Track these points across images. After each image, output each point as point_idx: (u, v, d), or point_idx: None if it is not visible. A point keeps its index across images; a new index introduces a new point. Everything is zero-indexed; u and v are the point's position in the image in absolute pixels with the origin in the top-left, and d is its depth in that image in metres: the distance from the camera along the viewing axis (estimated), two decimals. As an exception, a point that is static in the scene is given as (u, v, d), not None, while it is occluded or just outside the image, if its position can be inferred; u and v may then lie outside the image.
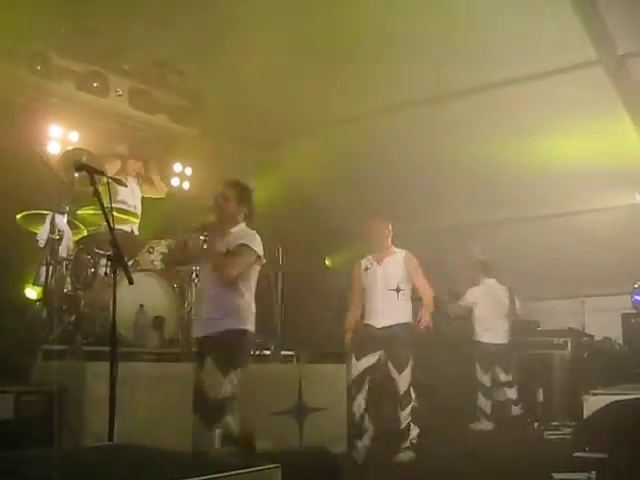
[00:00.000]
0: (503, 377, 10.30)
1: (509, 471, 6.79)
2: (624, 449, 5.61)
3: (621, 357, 11.15)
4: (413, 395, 7.44)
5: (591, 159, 9.62)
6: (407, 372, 7.37)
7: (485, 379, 10.25)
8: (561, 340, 10.98)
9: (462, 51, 8.21)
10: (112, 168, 8.64)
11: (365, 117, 9.95)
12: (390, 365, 7.37)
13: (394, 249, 7.82)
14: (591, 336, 11.84)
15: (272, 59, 8.61)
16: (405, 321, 7.49)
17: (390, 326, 7.40)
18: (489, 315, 10.34)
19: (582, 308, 12.08)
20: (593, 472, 5.45)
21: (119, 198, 8.24)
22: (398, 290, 7.52)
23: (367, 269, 7.78)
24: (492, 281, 10.63)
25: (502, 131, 9.58)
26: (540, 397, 10.51)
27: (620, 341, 11.73)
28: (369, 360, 7.33)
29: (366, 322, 7.61)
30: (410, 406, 7.39)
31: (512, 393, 10.27)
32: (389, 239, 7.85)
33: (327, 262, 12.66)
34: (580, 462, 5.78)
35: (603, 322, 11.78)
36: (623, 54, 8.26)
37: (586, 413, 6.31)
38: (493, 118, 9.47)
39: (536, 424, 9.77)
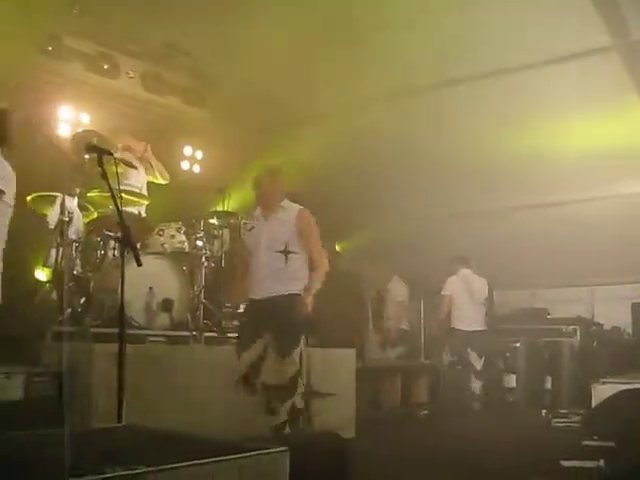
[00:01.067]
0: (476, 363, 10.35)
1: (517, 458, 6.78)
2: (633, 437, 5.61)
3: (630, 346, 11.15)
4: (301, 386, 5.94)
5: (603, 146, 9.56)
6: (292, 358, 5.83)
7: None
8: (570, 328, 10.99)
9: (470, 36, 8.14)
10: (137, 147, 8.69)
11: (373, 102, 9.89)
12: (272, 350, 5.86)
13: (287, 204, 6.47)
14: (600, 325, 11.86)
15: (282, 43, 8.55)
16: (294, 292, 6.06)
17: (272, 297, 6.01)
18: (464, 304, 10.47)
19: (592, 297, 12.10)
20: (602, 460, 5.44)
21: (127, 181, 8.21)
22: (286, 252, 6.11)
23: (252, 228, 6.46)
24: (467, 271, 10.70)
25: (512, 118, 9.54)
26: (548, 385, 10.54)
27: (629, 330, 11.73)
28: (251, 354, 5.91)
29: (250, 296, 6.21)
30: (291, 400, 5.79)
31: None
32: (280, 192, 6.51)
33: (337, 247, 12.65)
34: (589, 450, 5.79)
35: (612, 311, 11.77)
36: (638, 40, 8.18)
37: (595, 401, 6.32)
38: (502, 104, 9.41)
39: (544, 412, 9.78)
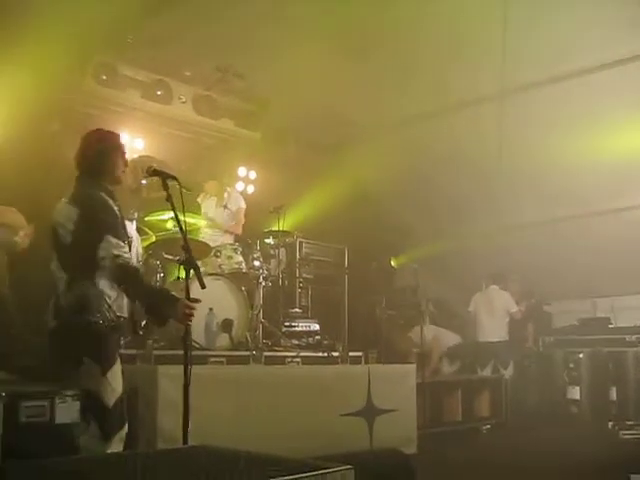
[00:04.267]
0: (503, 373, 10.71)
1: (583, 471, 6.67)
2: None
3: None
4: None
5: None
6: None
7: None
8: (634, 337, 10.77)
9: (522, 47, 8.09)
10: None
11: (428, 116, 9.89)
12: None
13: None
14: (667, 333, 11.57)
15: (334, 60, 8.61)
16: None
17: None
18: (485, 318, 11.16)
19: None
20: (673, 472, 5.32)
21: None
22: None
23: None
24: (494, 287, 11.28)
25: (560, 126, 9.45)
26: (614, 396, 10.36)
27: (695, 336, 11.43)
28: None
29: None
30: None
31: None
32: None
33: (392, 262, 12.62)
34: (658, 462, 5.66)
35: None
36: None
37: (663, 413, 6.17)
38: (551, 113, 9.33)
39: (610, 423, 9.60)
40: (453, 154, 10.40)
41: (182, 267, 4.61)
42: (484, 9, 7.58)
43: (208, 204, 9.04)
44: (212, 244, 8.08)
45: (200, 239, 8.19)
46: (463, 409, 9.35)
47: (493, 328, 11.05)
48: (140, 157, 8.04)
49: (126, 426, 4.64)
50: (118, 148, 4.94)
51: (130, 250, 7.08)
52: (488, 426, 9.63)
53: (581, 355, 10.93)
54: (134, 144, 9.58)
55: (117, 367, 4.56)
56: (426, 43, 8.31)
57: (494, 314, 11.10)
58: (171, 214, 7.58)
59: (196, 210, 8.77)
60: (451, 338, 11.37)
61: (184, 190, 7.98)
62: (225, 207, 9.02)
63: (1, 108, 7.46)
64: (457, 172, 10.79)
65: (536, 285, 11.78)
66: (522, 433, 9.36)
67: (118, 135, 5.05)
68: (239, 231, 9.02)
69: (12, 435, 4.87)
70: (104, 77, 9.02)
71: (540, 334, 11.93)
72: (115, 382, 4.54)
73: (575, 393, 10.83)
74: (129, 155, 9.04)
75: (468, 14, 7.77)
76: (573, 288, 12.09)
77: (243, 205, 9.17)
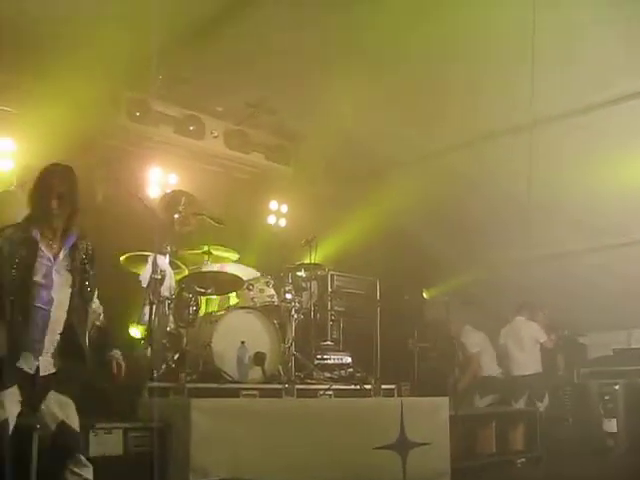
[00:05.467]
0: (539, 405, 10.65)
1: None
2: None
3: None
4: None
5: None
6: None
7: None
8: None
9: (552, 76, 8.09)
10: None
11: (458, 147, 9.90)
12: None
13: None
14: None
15: (364, 93, 8.67)
16: None
17: None
18: (514, 351, 11.12)
19: None
20: None
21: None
22: None
23: None
24: (520, 319, 11.22)
25: (593, 155, 9.41)
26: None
27: None
28: None
29: None
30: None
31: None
32: None
33: (424, 294, 12.57)
34: None
35: None
36: None
37: None
38: (584, 143, 9.30)
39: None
40: (484, 184, 10.38)
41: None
42: (513, 38, 7.59)
43: None
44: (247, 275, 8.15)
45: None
46: (497, 442, 9.25)
47: (525, 361, 10.97)
48: (173, 192, 8.12)
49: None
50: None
51: (163, 283, 7.19)
52: (523, 459, 9.51)
53: (617, 387, 10.77)
54: (167, 179, 9.71)
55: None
56: (455, 75, 8.35)
57: (524, 347, 11.03)
58: (203, 248, 7.77)
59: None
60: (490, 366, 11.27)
61: (216, 224, 8.14)
62: None
63: (38, 143, 7.60)
64: (488, 202, 10.76)
65: (570, 316, 11.68)
66: (557, 466, 9.22)
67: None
68: None
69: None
70: (137, 113, 9.18)
71: (575, 365, 11.80)
72: None
73: (611, 426, 10.65)
74: (162, 190, 9.24)
75: (497, 44, 7.79)
76: (607, 319, 11.94)
77: None
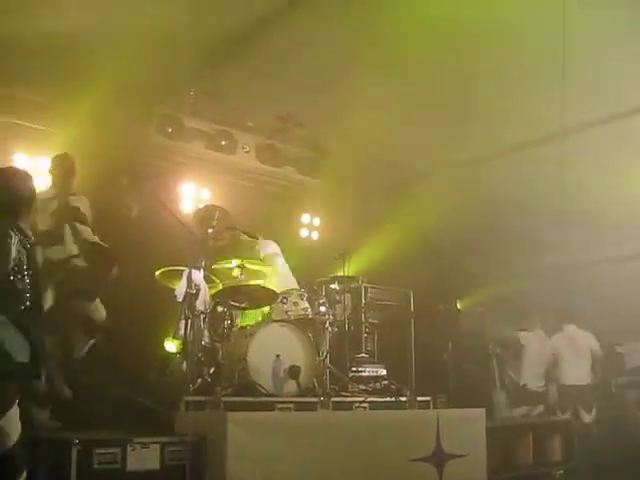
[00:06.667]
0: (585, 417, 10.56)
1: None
2: None
3: None
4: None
5: None
6: None
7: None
8: None
9: (582, 84, 8.06)
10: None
11: (490, 158, 9.88)
12: None
13: None
14: None
15: (393, 106, 8.69)
16: None
17: None
18: (569, 360, 10.92)
19: None
20: None
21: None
22: None
23: None
24: (572, 327, 11.07)
25: (625, 163, 9.36)
26: None
27: None
28: None
29: None
30: None
31: None
32: None
33: (458, 305, 12.52)
34: None
35: None
36: None
37: None
38: (616, 150, 9.25)
39: None
40: (515, 194, 10.36)
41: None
42: (543, 48, 7.59)
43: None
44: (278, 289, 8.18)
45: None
46: (535, 453, 9.15)
47: (580, 370, 10.82)
48: (206, 207, 8.19)
49: (24, 474, 4.45)
50: None
51: (197, 298, 7.24)
52: (561, 471, 9.41)
53: (655, 396, 10.68)
54: (200, 194, 9.79)
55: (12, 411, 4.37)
56: (484, 85, 8.34)
57: (581, 355, 10.89)
58: (237, 262, 7.81)
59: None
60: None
61: (250, 239, 8.18)
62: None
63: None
64: (520, 212, 10.72)
65: (606, 324, 11.56)
66: (596, 477, 9.12)
67: None
68: None
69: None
70: (169, 129, 9.29)
71: (612, 375, 11.67)
72: (8, 427, 4.37)
73: (652, 436, 10.53)
74: (195, 205, 9.32)
75: (526, 52, 7.78)
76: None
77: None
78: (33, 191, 4.80)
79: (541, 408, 11.01)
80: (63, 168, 6.98)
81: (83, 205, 6.91)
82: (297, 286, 8.50)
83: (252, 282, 7.98)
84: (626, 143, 9.07)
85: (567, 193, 9.46)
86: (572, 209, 9.76)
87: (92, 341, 6.89)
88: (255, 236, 8.40)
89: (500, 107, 8.72)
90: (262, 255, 8.72)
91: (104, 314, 6.87)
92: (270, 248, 8.87)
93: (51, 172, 7.06)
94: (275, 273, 8.48)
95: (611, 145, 9.24)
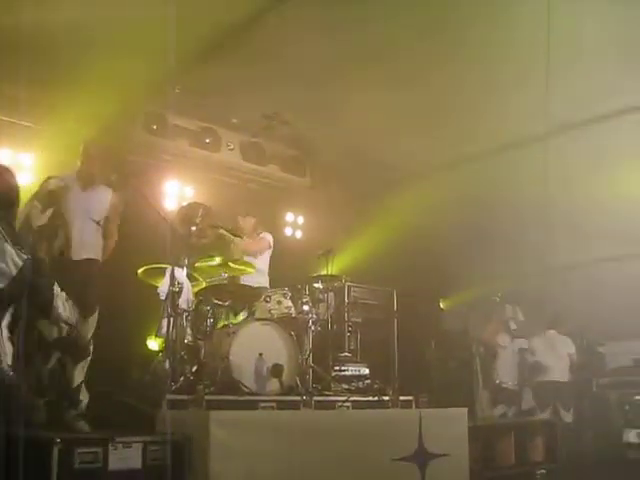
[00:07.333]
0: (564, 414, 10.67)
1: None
2: None
3: None
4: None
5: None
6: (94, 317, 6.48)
7: None
8: None
9: (566, 86, 8.10)
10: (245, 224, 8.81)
11: (475, 158, 9.90)
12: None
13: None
14: None
15: (379, 105, 8.69)
16: (94, 257, 6.70)
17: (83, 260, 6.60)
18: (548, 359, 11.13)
19: None
20: None
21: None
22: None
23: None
24: (552, 332, 11.25)
25: (611, 164, 9.41)
26: None
27: None
28: None
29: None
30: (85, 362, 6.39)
31: None
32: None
33: (441, 305, 12.56)
34: None
35: None
36: None
37: None
38: (601, 151, 9.29)
39: None
40: (499, 195, 10.40)
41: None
42: (527, 48, 7.61)
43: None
44: (255, 285, 8.16)
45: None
46: (516, 453, 9.19)
47: (558, 369, 11.00)
48: (190, 204, 8.16)
49: None
50: None
51: (180, 296, 7.22)
52: (543, 471, 9.44)
53: (637, 397, 10.72)
54: (184, 192, 9.77)
55: None
56: (471, 86, 8.36)
57: (559, 355, 11.10)
58: (220, 260, 7.79)
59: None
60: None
61: (233, 237, 8.16)
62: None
63: (58, 157, 7.67)
64: (504, 213, 10.77)
65: (588, 325, 11.63)
66: (577, 478, 9.16)
67: None
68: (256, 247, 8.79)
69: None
70: (154, 126, 9.27)
71: (593, 375, 11.74)
72: None
73: (632, 436, 10.59)
74: (179, 203, 9.28)
75: (511, 53, 7.80)
76: (627, 328, 11.90)
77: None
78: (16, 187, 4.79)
79: (517, 407, 11.10)
80: None
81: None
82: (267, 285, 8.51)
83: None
84: (611, 144, 9.11)
85: (552, 194, 9.53)
86: (556, 210, 9.83)
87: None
88: (239, 234, 8.38)
89: (485, 108, 8.74)
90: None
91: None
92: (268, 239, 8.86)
93: None
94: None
95: (596, 146, 9.28)
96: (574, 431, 10.66)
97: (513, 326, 11.65)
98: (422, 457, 7.14)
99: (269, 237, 8.83)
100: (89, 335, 6.48)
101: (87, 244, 6.65)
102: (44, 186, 6.61)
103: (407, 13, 7.19)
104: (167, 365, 6.93)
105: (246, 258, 8.30)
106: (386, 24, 7.40)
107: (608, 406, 11.06)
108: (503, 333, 11.56)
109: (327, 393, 7.74)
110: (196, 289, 7.96)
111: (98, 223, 6.75)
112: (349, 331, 9.24)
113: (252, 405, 6.70)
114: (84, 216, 6.68)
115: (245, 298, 7.84)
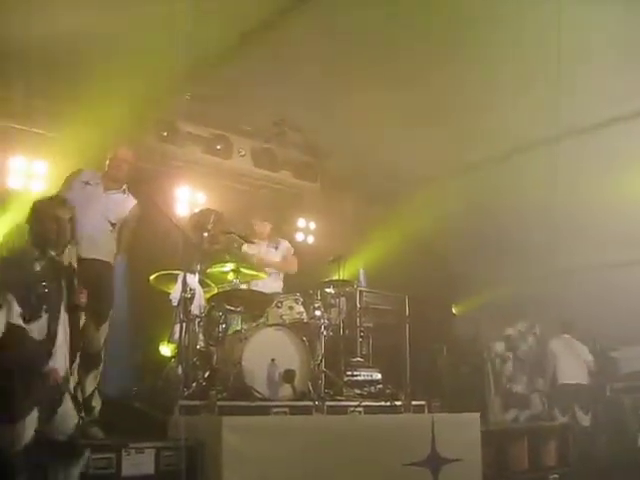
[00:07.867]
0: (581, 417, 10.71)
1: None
2: None
3: None
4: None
5: None
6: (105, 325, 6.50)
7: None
8: None
9: (575, 88, 8.08)
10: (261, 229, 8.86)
11: (484, 163, 9.89)
12: None
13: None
14: None
15: (390, 111, 8.70)
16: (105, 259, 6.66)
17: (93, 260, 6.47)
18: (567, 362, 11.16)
19: None
20: None
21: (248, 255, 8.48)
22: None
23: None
24: (567, 337, 11.33)
25: (621, 168, 9.39)
26: None
27: None
28: None
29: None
30: (97, 371, 6.32)
31: None
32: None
33: (453, 310, 12.54)
34: None
35: None
36: None
37: None
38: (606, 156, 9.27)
39: None
40: (510, 200, 10.38)
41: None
42: (536, 50, 7.61)
43: (258, 246, 8.92)
44: (268, 290, 8.18)
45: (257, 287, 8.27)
46: (530, 458, 9.18)
47: (577, 371, 11.01)
48: (202, 211, 8.19)
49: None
50: None
51: (193, 302, 7.24)
52: (556, 475, 9.42)
53: (652, 401, 10.70)
54: (196, 198, 9.80)
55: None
56: (480, 92, 8.36)
57: (578, 358, 11.12)
58: (232, 266, 7.81)
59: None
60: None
61: (245, 243, 8.18)
62: (276, 248, 8.99)
63: (72, 164, 7.71)
64: (515, 218, 10.75)
65: (602, 330, 11.59)
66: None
67: None
68: (293, 268, 9.02)
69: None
70: (165, 134, 9.30)
71: (607, 380, 11.70)
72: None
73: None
74: (191, 209, 9.32)
75: (522, 57, 7.80)
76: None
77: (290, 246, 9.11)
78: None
79: (530, 412, 11.06)
80: None
81: None
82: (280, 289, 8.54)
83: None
84: (622, 147, 9.08)
85: (559, 199, 9.53)
86: (565, 215, 9.83)
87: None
88: (251, 240, 8.40)
89: (495, 112, 8.74)
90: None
91: None
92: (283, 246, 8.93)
93: None
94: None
95: (606, 149, 9.26)
96: (589, 435, 10.63)
97: (525, 329, 11.60)
98: (435, 462, 7.13)
99: (291, 249, 9.00)
100: (101, 343, 6.49)
101: (99, 243, 6.59)
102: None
103: (416, 16, 7.20)
104: (180, 371, 6.94)
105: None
106: (396, 30, 7.41)
107: (622, 411, 11.01)
108: (515, 337, 11.52)
109: (339, 398, 7.74)
110: (208, 295, 7.98)
111: (113, 225, 6.74)
112: (361, 336, 9.23)
113: (264, 411, 6.71)
114: (100, 215, 6.67)
115: (257, 304, 7.84)
